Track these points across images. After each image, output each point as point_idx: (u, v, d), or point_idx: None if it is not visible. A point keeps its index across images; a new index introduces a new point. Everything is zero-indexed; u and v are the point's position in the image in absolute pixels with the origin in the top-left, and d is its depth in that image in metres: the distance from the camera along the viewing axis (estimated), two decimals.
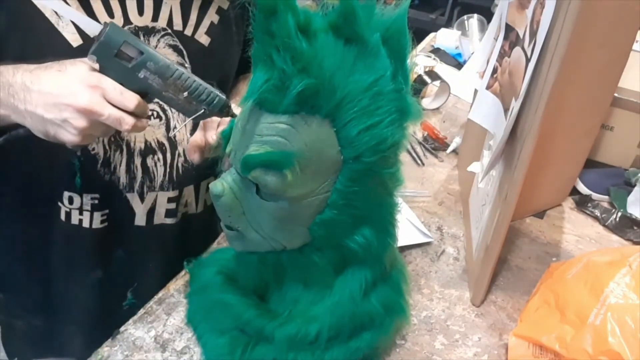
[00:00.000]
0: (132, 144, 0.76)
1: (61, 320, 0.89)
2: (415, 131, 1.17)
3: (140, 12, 0.72)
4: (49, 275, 0.85)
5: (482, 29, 1.55)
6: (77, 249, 0.82)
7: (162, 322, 0.76)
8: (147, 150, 0.78)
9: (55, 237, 0.81)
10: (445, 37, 1.52)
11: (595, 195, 1.02)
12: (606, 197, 1.01)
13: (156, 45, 0.74)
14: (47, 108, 0.58)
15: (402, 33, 0.55)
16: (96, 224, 0.80)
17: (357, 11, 0.52)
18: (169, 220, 0.85)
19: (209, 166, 0.75)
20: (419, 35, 1.24)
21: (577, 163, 0.98)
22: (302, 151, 0.52)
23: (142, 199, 0.81)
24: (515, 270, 0.87)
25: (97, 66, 0.59)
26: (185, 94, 0.59)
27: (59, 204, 0.78)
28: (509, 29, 0.72)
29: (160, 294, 0.80)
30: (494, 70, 0.76)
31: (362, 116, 0.53)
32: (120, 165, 0.77)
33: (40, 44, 0.68)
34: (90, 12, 0.68)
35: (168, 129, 0.79)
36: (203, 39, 0.78)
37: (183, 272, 0.83)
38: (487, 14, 1.48)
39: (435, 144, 1.15)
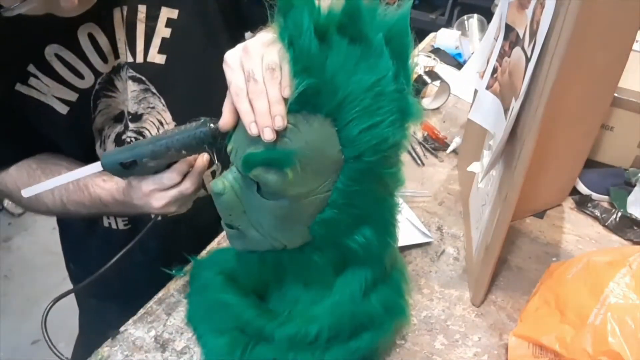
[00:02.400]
0: None
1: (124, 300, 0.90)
2: (415, 131, 1.17)
3: (104, 59, 0.77)
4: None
5: (482, 29, 1.55)
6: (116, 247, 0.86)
7: (162, 322, 0.76)
8: None
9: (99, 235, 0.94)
10: (445, 37, 1.52)
11: (595, 195, 1.02)
12: (606, 197, 1.01)
13: (123, 81, 0.80)
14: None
15: (405, 33, 0.55)
16: (122, 227, 0.92)
17: (362, 11, 0.52)
18: None
19: None
20: (419, 35, 1.23)
21: (577, 163, 0.98)
22: (303, 150, 0.52)
23: None
24: (515, 270, 0.87)
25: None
26: (184, 151, 0.64)
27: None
28: (509, 29, 0.72)
29: (160, 294, 0.80)
30: (494, 70, 0.76)
31: (364, 116, 0.52)
32: None
33: (35, 116, 0.77)
34: (62, 80, 0.76)
35: None
36: (157, 59, 0.81)
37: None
38: (487, 14, 1.48)
39: (435, 144, 1.15)
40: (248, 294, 0.68)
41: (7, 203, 2.47)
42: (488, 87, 0.77)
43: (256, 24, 0.84)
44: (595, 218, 0.98)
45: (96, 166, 0.67)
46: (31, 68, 0.73)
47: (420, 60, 1.39)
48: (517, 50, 0.68)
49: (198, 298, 0.74)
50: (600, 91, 0.87)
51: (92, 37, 0.75)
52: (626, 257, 0.67)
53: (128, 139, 0.83)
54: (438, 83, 1.26)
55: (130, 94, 0.81)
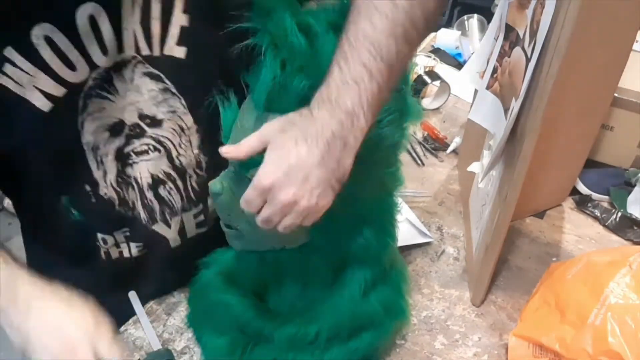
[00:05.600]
0: (139, 180, 0.71)
1: None
2: (415, 131, 1.17)
3: (104, 51, 0.62)
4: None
5: (482, 29, 1.55)
6: (124, 276, 0.79)
7: (162, 322, 0.76)
8: (156, 183, 0.72)
9: (101, 275, 0.77)
10: (445, 37, 1.52)
11: (595, 195, 1.02)
12: (606, 197, 1.01)
13: (132, 78, 0.65)
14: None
15: None
16: (135, 253, 0.77)
17: None
18: (201, 230, 0.80)
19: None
20: None
21: (577, 163, 0.98)
22: None
23: (168, 225, 0.76)
24: (515, 270, 0.87)
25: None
26: None
27: (97, 243, 0.75)
28: (509, 29, 0.72)
29: None
30: (494, 70, 0.76)
31: None
32: (137, 201, 0.73)
33: (8, 114, 0.61)
34: (47, 69, 0.60)
35: (171, 159, 0.72)
36: (176, 51, 0.66)
37: None
38: (487, 14, 1.48)
39: (435, 144, 1.15)
40: (248, 294, 0.68)
41: (7, 203, 2.47)
42: (488, 87, 0.77)
43: None
44: (595, 218, 0.98)
45: None
46: (9, 52, 0.57)
47: (420, 60, 1.38)
48: (517, 50, 0.68)
49: (198, 299, 0.74)
50: (600, 91, 0.87)
51: (93, 22, 0.59)
52: (626, 257, 0.67)
53: (138, 150, 0.70)
54: (438, 83, 1.26)
55: (147, 93, 0.67)
